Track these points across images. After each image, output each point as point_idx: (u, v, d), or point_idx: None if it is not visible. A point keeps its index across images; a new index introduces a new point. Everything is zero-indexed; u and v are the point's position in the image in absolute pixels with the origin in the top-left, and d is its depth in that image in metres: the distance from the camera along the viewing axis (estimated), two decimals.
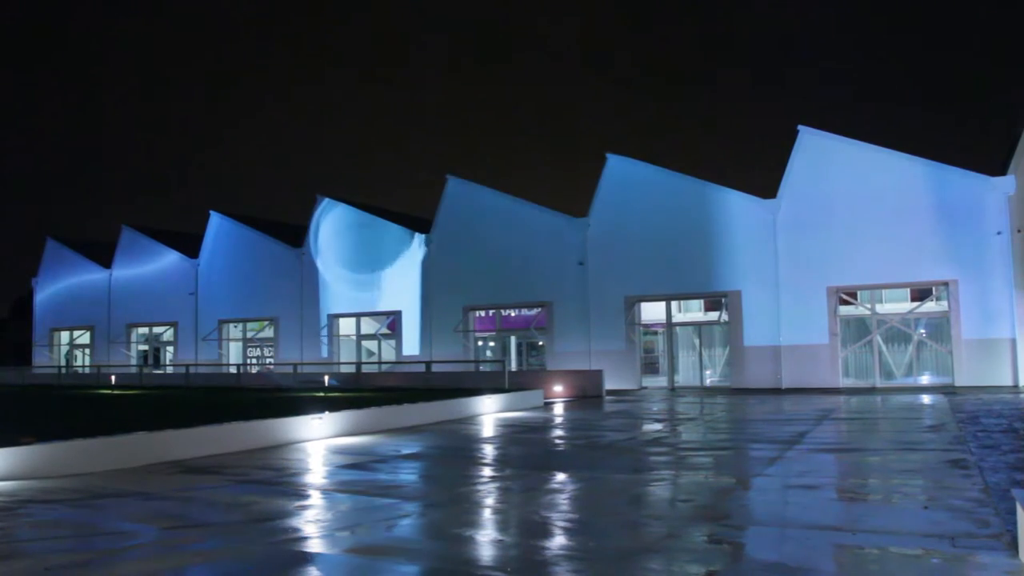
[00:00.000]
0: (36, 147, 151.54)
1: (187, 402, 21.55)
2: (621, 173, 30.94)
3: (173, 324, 42.51)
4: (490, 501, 8.35)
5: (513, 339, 34.41)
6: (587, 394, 25.92)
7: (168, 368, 42.00)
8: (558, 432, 15.56)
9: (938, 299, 26.71)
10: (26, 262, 75.28)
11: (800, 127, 27.96)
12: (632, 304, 30.69)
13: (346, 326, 37.64)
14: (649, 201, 30.34)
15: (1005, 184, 25.16)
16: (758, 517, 7.35)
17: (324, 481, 9.90)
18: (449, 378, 27.91)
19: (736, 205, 28.92)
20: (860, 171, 27.03)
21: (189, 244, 42.80)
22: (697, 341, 31.16)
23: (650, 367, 32.37)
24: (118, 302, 44.39)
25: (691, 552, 5.98)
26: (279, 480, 9.82)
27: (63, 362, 46.50)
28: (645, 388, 30.07)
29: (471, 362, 32.13)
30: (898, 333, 27.92)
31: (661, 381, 30.94)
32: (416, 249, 35.12)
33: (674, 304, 30.92)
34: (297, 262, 38.29)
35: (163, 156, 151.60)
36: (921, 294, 27.27)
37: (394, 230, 35.95)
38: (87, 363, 45.48)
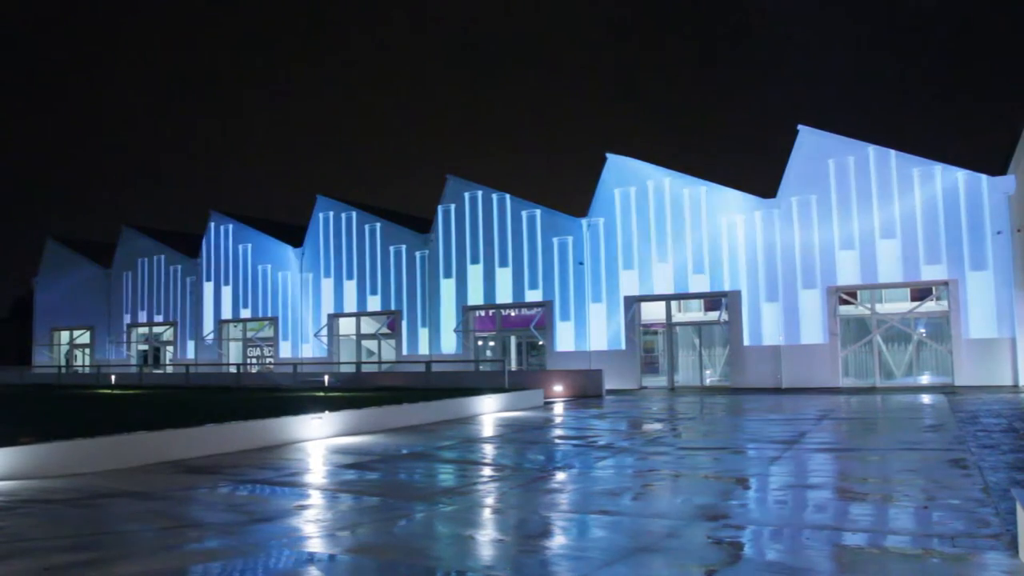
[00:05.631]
0: (37, 147, 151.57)
1: (187, 402, 21.53)
2: (621, 173, 30.97)
3: (173, 324, 42.55)
4: (490, 501, 8.36)
5: (513, 339, 34.42)
6: (587, 394, 25.93)
7: (168, 368, 42.03)
8: (558, 432, 15.56)
9: (938, 299, 26.72)
10: (26, 262, 75.32)
11: (800, 126, 27.99)
12: (632, 304, 30.71)
13: (346, 326, 37.67)
14: (649, 201, 30.37)
15: (1005, 184, 25.17)
16: (758, 517, 7.34)
17: (324, 481, 9.89)
18: (449, 378, 27.91)
19: (735, 205, 28.95)
20: (860, 170, 27.04)
21: (189, 244, 42.85)
22: (697, 341, 31.17)
23: (650, 367, 32.37)
24: (118, 302, 44.44)
25: (691, 552, 5.98)
26: (279, 480, 9.82)
27: (63, 362, 46.52)
28: (645, 388, 30.08)
29: (471, 362, 32.13)
30: (898, 333, 27.92)
31: (661, 381, 30.95)
32: (415, 248, 35.12)
33: (674, 304, 30.93)
34: (296, 262, 38.34)
35: (163, 156, 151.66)
36: (921, 294, 27.26)
37: (393, 229, 35.98)
38: (87, 363, 45.50)
